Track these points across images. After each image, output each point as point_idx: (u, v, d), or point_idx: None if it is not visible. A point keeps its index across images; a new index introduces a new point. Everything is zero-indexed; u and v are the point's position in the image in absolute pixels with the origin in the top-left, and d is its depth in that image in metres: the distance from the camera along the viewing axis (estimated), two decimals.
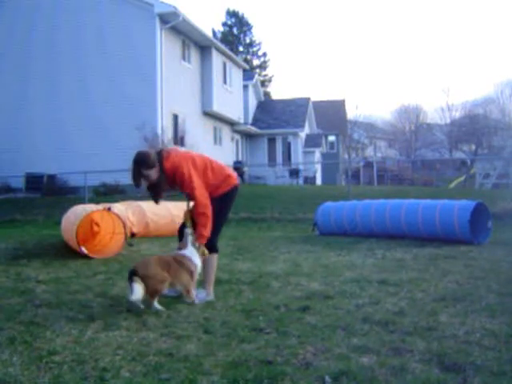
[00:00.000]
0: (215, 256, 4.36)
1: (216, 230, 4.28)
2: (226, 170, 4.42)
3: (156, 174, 4.04)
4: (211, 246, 4.28)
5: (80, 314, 3.83)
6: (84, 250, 6.71)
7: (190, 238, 4.15)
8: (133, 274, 3.83)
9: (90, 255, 6.71)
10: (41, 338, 3.23)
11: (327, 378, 2.55)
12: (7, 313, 3.89)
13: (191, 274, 4.08)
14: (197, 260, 4.12)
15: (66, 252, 7.10)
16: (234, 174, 4.48)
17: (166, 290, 4.02)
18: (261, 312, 3.81)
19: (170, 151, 4.21)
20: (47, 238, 8.73)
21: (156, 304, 3.91)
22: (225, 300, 4.21)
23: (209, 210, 4.08)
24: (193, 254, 4.11)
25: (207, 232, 4.09)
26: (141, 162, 4.00)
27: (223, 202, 4.30)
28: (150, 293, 3.85)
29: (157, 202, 4.26)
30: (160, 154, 4.11)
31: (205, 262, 4.25)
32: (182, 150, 4.59)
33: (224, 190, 4.30)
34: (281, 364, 2.75)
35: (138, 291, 3.77)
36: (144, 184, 4.10)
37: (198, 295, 4.19)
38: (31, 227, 11.39)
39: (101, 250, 7.12)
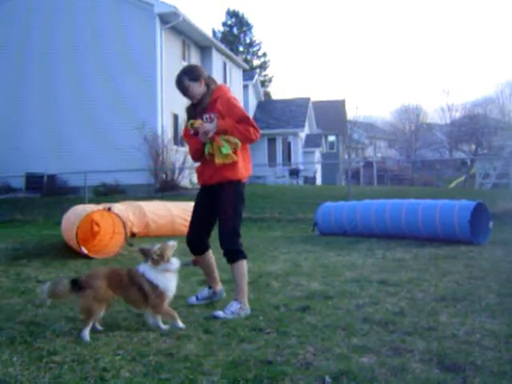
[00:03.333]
0: (244, 262, 3.89)
1: (238, 231, 3.89)
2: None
3: (198, 90, 3.94)
4: (235, 252, 3.87)
5: (80, 313, 3.82)
6: (84, 249, 6.71)
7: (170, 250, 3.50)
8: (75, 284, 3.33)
9: (90, 255, 6.71)
10: (41, 338, 3.23)
11: (327, 378, 2.55)
12: (7, 313, 3.90)
13: (144, 294, 3.39)
14: (154, 277, 3.42)
15: (66, 252, 7.10)
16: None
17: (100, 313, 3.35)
18: (261, 312, 3.81)
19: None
20: (47, 238, 8.72)
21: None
22: (225, 300, 4.20)
23: (255, 137, 3.86)
24: (150, 271, 3.44)
25: (232, 129, 3.79)
26: (186, 71, 4.00)
27: (241, 195, 3.96)
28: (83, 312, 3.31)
29: (194, 118, 3.93)
30: (212, 78, 4.09)
31: (233, 271, 3.89)
32: None
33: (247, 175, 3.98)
34: (281, 364, 2.75)
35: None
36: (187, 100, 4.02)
37: (229, 307, 3.75)
38: (31, 227, 11.39)
39: (101, 250, 7.13)
